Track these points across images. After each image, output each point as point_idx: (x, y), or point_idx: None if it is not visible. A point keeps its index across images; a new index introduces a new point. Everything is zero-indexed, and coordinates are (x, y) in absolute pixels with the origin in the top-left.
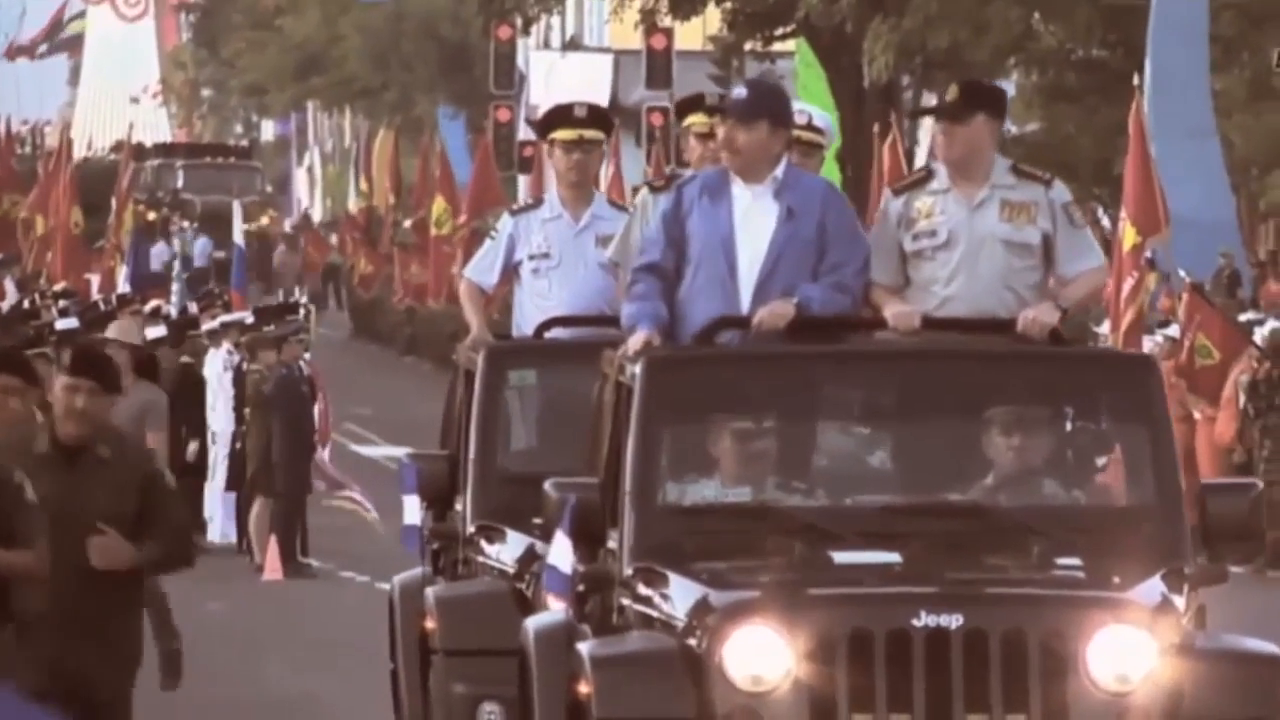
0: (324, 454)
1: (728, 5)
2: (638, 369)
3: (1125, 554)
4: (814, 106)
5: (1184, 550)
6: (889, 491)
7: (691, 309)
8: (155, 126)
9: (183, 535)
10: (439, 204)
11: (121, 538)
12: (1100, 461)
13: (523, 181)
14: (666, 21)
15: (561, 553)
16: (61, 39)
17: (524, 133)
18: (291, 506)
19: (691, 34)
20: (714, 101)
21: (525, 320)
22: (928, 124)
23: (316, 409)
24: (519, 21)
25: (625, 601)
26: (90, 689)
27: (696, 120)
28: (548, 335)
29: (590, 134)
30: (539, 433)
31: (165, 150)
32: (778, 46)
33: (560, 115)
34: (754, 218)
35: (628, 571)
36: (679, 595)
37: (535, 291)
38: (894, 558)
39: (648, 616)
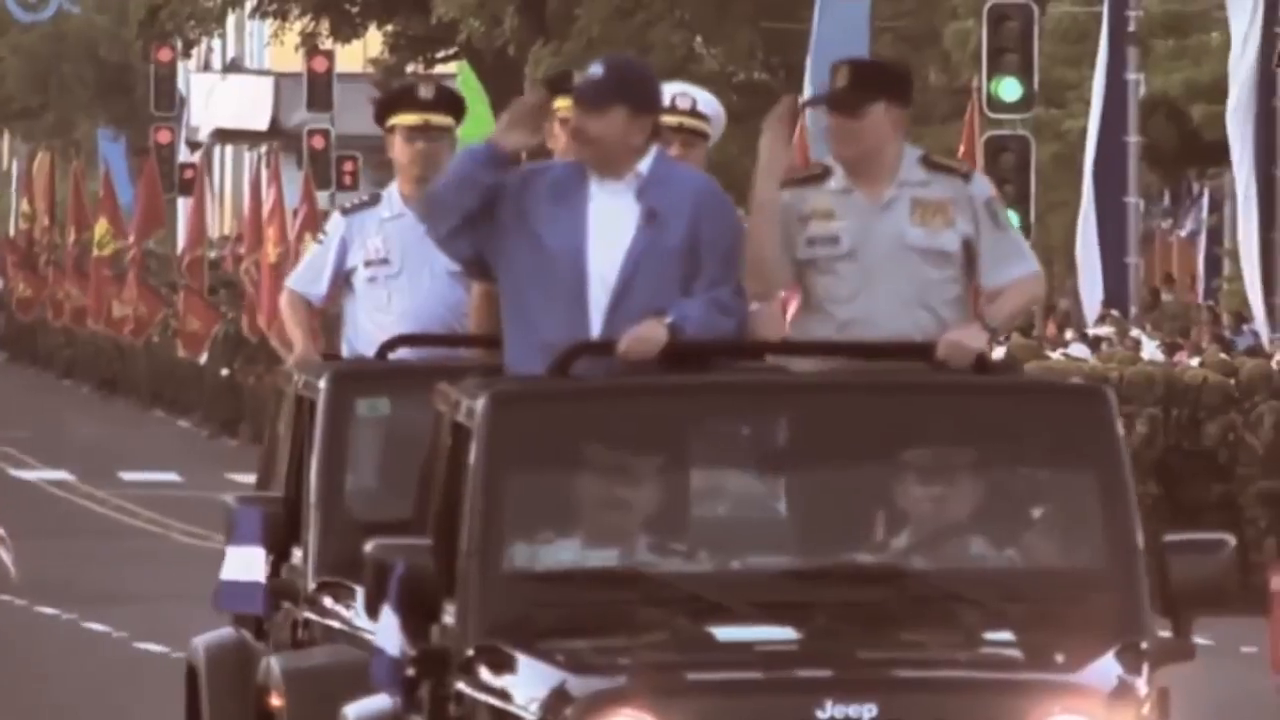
0: None
1: (389, 28)
2: (479, 405)
3: (1072, 627)
4: (701, 91)
5: (1143, 621)
6: (785, 553)
7: (531, 333)
8: None
9: None
10: (102, 225)
11: None
12: (1040, 514)
13: (183, 204)
14: (327, 44)
15: (388, 631)
16: None
17: (184, 154)
18: None
19: (353, 57)
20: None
21: (360, 338)
22: None
23: None
24: (179, 44)
25: (464, 688)
26: None
27: (564, 105)
28: (392, 357)
29: (438, 119)
30: (392, 472)
31: None
32: (440, 69)
33: (401, 97)
34: (610, 222)
35: (468, 652)
36: (530, 681)
37: (372, 304)
38: (790, 634)
39: (492, 708)
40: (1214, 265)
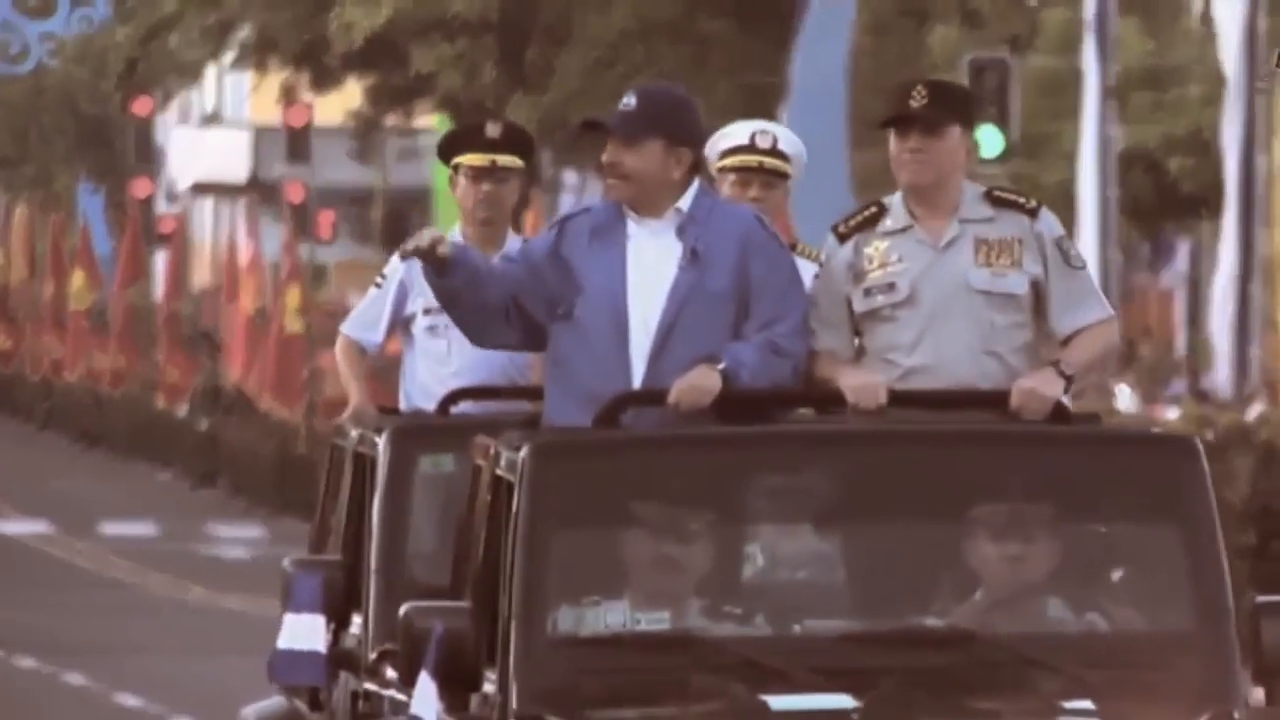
0: None
1: (368, 81)
2: (522, 458)
3: (1158, 695)
4: (781, 128)
5: (1234, 689)
6: (847, 615)
7: (570, 382)
8: None
9: None
10: (78, 277)
11: None
12: (1123, 574)
13: (161, 257)
14: (307, 97)
15: (425, 699)
16: None
17: (162, 207)
18: None
19: (331, 109)
20: None
21: (418, 390)
22: (568, 202)
23: None
24: (158, 96)
25: None
26: None
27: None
28: (454, 411)
29: (505, 160)
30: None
31: None
32: (419, 122)
33: (467, 136)
34: (650, 263)
35: None
36: None
37: (431, 355)
38: (852, 702)
39: None
40: (1193, 318)
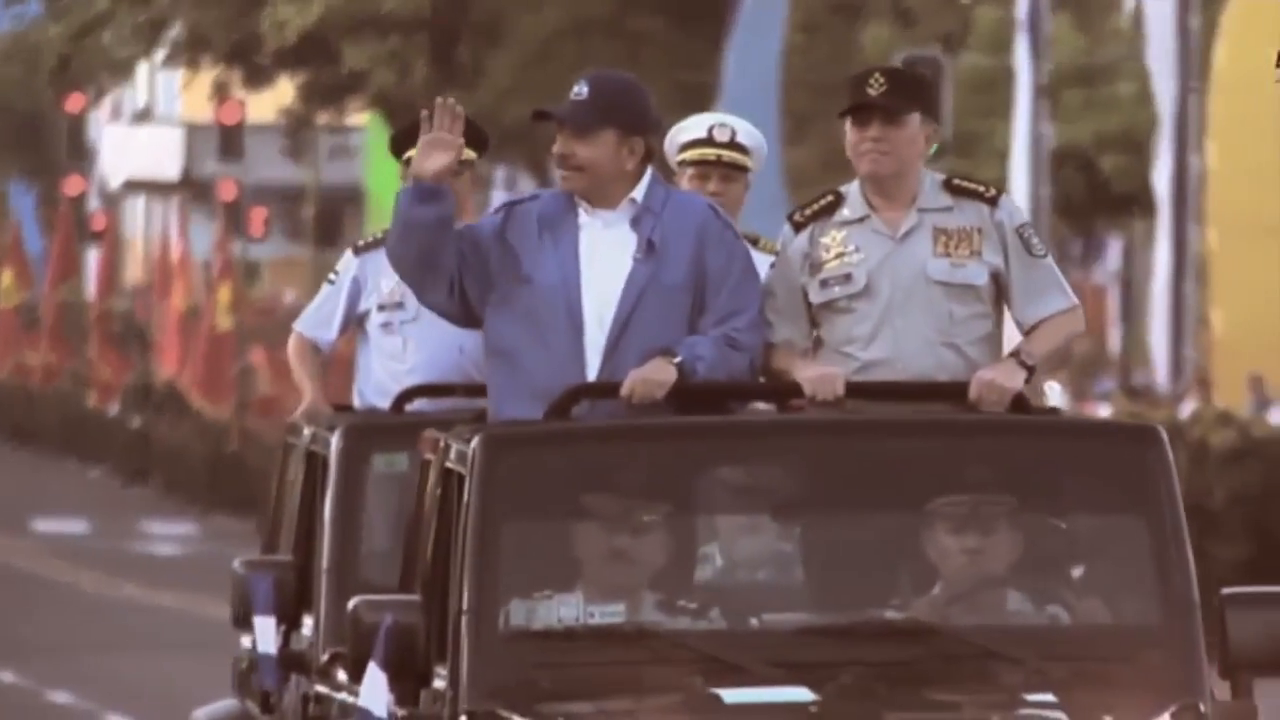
0: None
1: (301, 78)
2: (472, 449)
3: (1122, 688)
4: (740, 120)
5: (1199, 682)
6: (804, 609)
7: (522, 379)
8: None
9: None
10: (7, 276)
11: None
12: (1086, 566)
13: (93, 255)
14: (240, 94)
15: (374, 690)
16: None
17: (94, 204)
18: None
19: (264, 106)
20: None
21: (373, 388)
22: (498, 199)
23: None
24: (91, 93)
25: None
26: None
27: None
28: (409, 408)
29: None
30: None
31: None
32: (351, 120)
33: (417, 130)
34: (604, 255)
35: (461, 718)
36: None
37: (386, 351)
38: (807, 695)
39: None
40: (1127, 315)
